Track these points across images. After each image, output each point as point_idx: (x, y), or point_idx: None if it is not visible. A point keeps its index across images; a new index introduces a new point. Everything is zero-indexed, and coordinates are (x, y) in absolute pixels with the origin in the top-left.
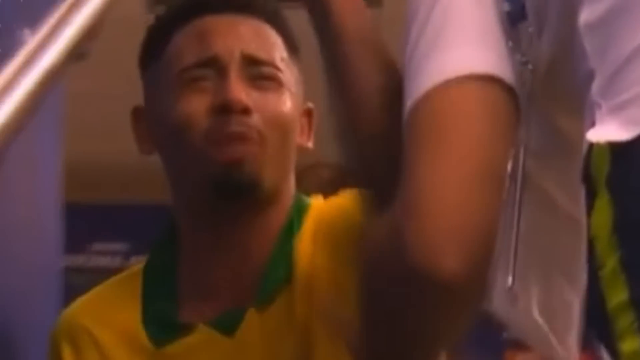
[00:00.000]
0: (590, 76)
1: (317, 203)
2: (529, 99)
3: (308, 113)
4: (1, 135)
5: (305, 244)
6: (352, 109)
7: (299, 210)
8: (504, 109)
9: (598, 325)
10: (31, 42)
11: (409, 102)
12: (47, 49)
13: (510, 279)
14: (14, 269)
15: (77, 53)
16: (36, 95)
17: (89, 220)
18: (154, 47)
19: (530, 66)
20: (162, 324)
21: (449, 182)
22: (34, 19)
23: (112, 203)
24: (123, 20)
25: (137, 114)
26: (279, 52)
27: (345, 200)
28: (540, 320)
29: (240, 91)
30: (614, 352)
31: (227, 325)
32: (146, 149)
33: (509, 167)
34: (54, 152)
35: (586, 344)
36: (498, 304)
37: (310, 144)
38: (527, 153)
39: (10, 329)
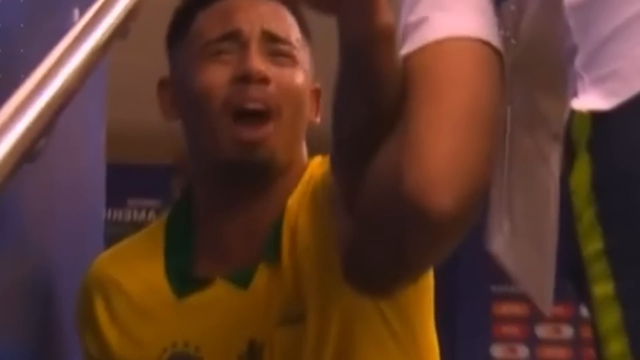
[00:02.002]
0: (573, 51)
1: (315, 161)
2: (512, 67)
3: (316, 92)
4: (56, 101)
5: (293, 203)
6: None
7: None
8: (494, 67)
9: (573, 273)
10: (81, 21)
11: (409, 48)
12: (94, 27)
13: (503, 220)
14: (63, 221)
15: (120, 32)
16: (85, 67)
17: (127, 178)
18: (180, 26)
19: (513, 41)
20: (182, 277)
21: (444, 128)
22: (83, 1)
23: (147, 163)
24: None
25: (162, 85)
26: (294, 33)
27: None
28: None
29: (260, 63)
30: (587, 295)
31: (242, 279)
32: (169, 117)
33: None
34: (98, 117)
35: (563, 297)
36: (495, 246)
37: (317, 120)
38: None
39: (58, 274)
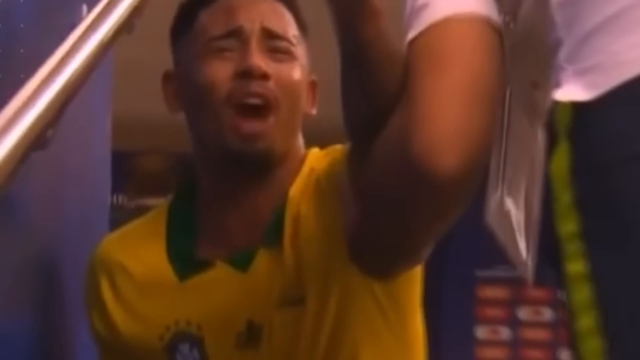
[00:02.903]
0: (558, 44)
1: (313, 153)
2: (511, 51)
3: (312, 85)
4: (65, 93)
5: (295, 192)
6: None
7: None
8: (494, 44)
9: (550, 252)
10: (88, 17)
11: (413, 33)
12: (101, 23)
13: (499, 193)
14: (70, 206)
15: (125, 27)
16: (92, 61)
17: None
18: (183, 23)
19: (511, 26)
20: (184, 259)
21: (449, 96)
22: None
23: (150, 151)
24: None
25: (167, 78)
26: (292, 29)
27: (335, 152)
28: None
29: (260, 59)
30: (561, 273)
31: (242, 262)
32: (173, 109)
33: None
34: (104, 109)
35: (543, 281)
36: (489, 217)
37: (313, 111)
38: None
39: (65, 256)
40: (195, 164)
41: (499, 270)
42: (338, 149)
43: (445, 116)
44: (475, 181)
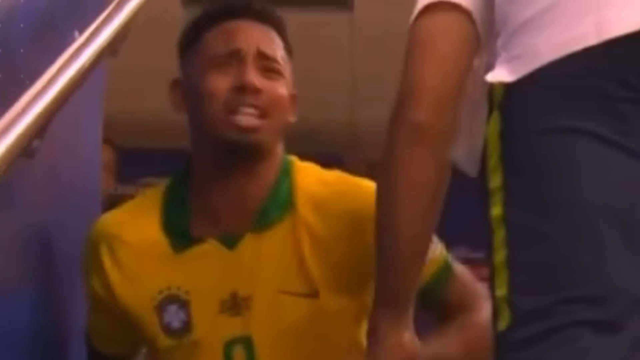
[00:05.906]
0: (497, 35)
1: (299, 165)
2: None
3: (293, 97)
4: (55, 103)
5: (302, 204)
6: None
7: (287, 166)
8: (464, 28)
9: (484, 200)
10: (79, 40)
11: (412, 17)
12: (90, 46)
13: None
14: (63, 199)
15: (110, 50)
16: (78, 80)
17: (136, 159)
18: (191, 40)
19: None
20: (179, 235)
21: (430, 73)
22: (82, 24)
23: (148, 147)
24: (162, 17)
25: (174, 85)
26: (280, 52)
27: (345, 186)
28: None
29: (254, 77)
30: (489, 216)
31: (230, 241)
32: (178, 110)
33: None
34: (96, 112)
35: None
36: (455, 154)
37: (293, 119)
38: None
39: (56, 243)
40: (192, 157)
41: (458, 252)
42: (348, 185)
43: (426, 85)
44: (448, 128)
